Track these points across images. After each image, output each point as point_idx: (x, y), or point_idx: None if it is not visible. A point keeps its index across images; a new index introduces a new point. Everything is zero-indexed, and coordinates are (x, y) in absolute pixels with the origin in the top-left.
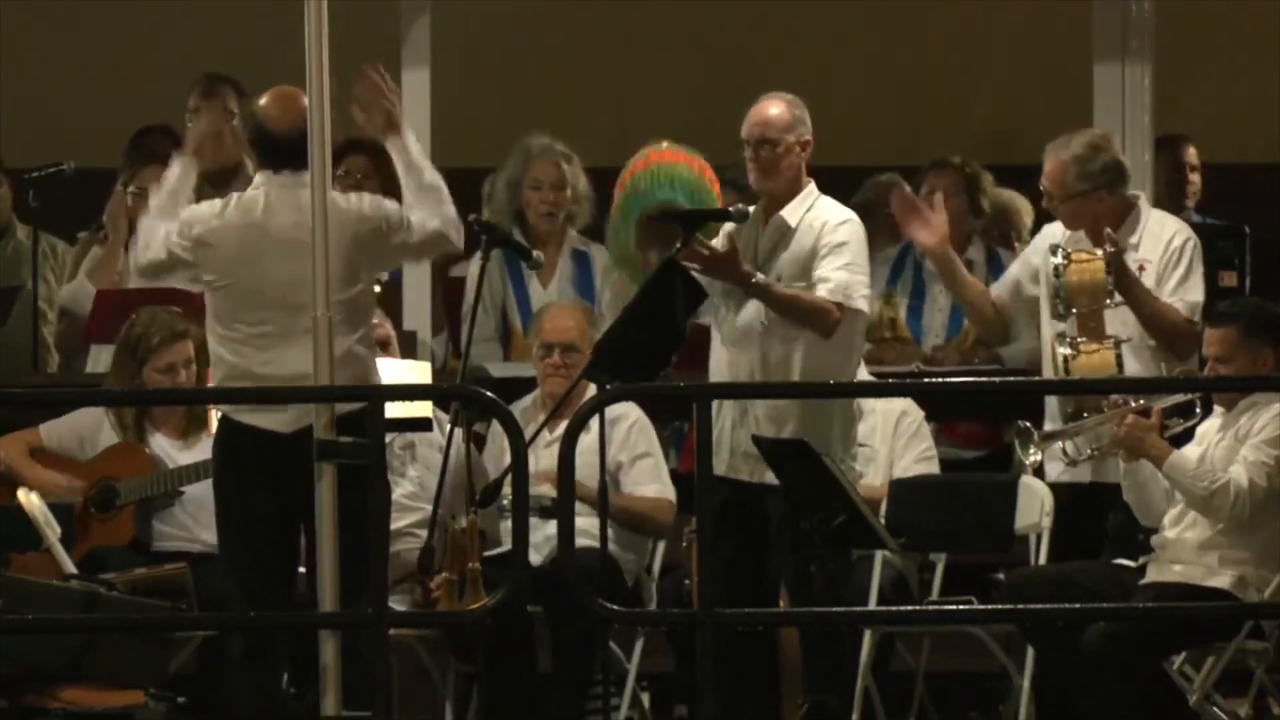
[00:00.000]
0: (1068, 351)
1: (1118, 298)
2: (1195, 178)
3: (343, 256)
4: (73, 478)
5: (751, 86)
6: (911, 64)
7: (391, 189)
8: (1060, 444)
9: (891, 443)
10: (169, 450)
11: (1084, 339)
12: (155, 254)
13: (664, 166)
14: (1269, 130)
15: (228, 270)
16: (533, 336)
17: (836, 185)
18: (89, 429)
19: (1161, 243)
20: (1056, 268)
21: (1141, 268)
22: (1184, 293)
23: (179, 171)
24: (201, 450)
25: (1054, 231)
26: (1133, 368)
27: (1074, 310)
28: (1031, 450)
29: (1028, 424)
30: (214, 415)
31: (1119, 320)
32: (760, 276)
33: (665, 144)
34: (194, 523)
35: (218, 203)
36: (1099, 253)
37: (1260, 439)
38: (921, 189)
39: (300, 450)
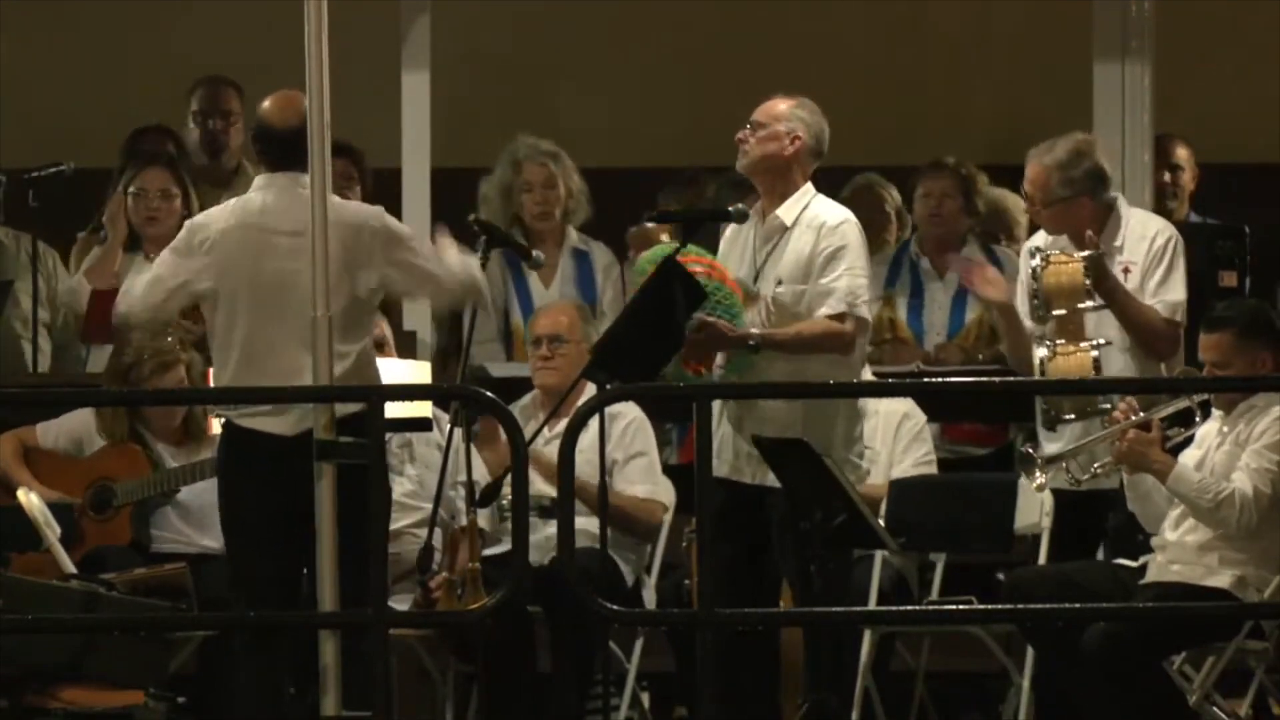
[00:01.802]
0: (1044, 353)
1: (1098, 299)
2: (1185, 178)
3: (339, 256)
4: (66, 485)
5: (751, 86)
6: (911, 64)
7: (369, 193)
8: (1064, 465)
9: (892, 445)
10: (167, 459)
11: (1062, 341)
12: (146, 292)
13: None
14: (1269, 130)
15: (227, 271)
16: (528, 335)
17: (836, 185)
18: (86, 430)
19: (1145, 242)
20: (1034, 270)
21: (1126, 269)
22: (1164, 292)
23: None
24: (199, 456)
25: (1038, 238)
26: (1118, 368)
27: (1053, 312)
28: (1036, 475)
29: (1029, 450)
30: (214, 424)
31: (1105, 322)
32: (756, 332)
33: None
34: (187, 526)
35: (214, 209)
36: (1077, 255)
37: (1261, 444)
38: (917, 191)
39: (304, 453)
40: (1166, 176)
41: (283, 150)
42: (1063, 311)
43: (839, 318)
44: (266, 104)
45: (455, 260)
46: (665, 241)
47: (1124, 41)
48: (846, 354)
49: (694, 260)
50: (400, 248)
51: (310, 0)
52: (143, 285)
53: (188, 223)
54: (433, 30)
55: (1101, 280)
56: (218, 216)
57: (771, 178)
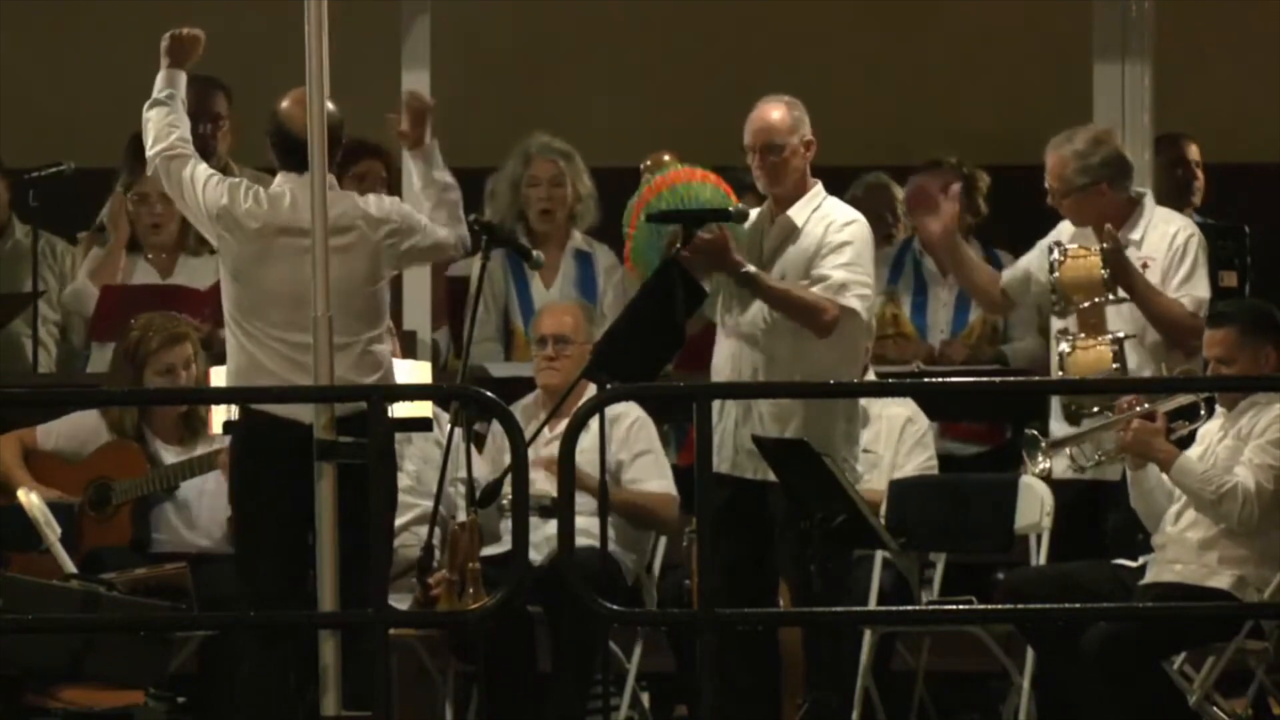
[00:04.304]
0: (1065, 348)
1: (1120, 293)
2: (1200, 174)
3: (369, 255)
4: (65, 487)
5: (751, 86)
6: (911, 64)
7: (396, 191)
8: (1068, 451)
9: (895, 448)
10: (165, 456)
11: (1083, 335)
12: (199, 187)
13: (679, 188)
14: (1269, 130)
15: (250, 263)
16: (532, 335)
17: (836, 185)
18: (86, 431)
19: (1165, 240)
20: (1052, 264)
21: (1145, 265)
22: (1189, 289)
23: (165, 79)
24: (197, 454)
25: (1065, 228)
26: (1136, 364)
27: (1072, 306)
28: (1039, 458)
29: (1035, 431)
30: (215, 417)
31: (1127, 317)
32: (751, 268)
33: (674, 166)
34: (186, 526)
35: (246, 189)
36: (1095, 249)
37: (1265, 440)
38: None
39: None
40: (1180, 173)
41: (303, 155)
42: (1084, 305)
43: (828, 301)
44: (286, 105)
45: (432, 222)
46: (668, 161)
47: (1124, 41)
48: (822, 336)
49: (701, 177)
50: (414, 235)
51: (310, 0)
52: (190, 174)
53: (228, 182)
54: (433, 29)
55: (1121, 273)
56: (251, 205)
57: (792, 187)
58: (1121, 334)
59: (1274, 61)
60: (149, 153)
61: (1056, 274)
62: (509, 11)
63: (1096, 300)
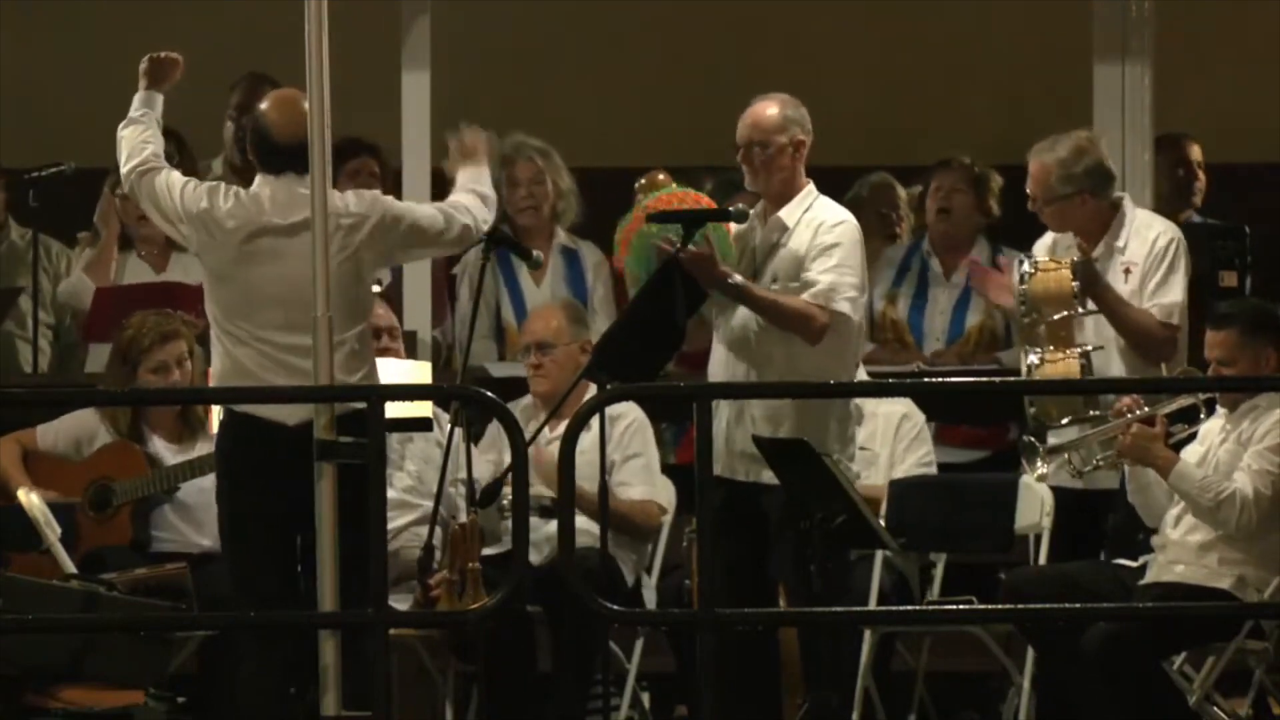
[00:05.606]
0: (1034, 360)
1: (1090, 305)
2: (1202, 174)
3: (353, 250)
4: (65, 487)
5: (751, 87)
6: (911, 64)
7: (393, 189)
8: (1066, 456)
9: (892, 445)
10: (164, 454)
11: (1051, 347)
12: (167, 196)
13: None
14: (1269, 130)
15: (232, 264)
16: (520, 342)
17: (836, 185)
18: (85, 431)
19: (1146, 245)
20: (1022, 275)
21: (1128, 270)
22: (1160, 295)
23: (143, 100)
24: (197, 453)
25: (1048, 239)
26: (1117, 371)
27: (1041, 318)
28: (1038, 464)
29: (1032, 438)
30: (215, 416)
31: (1106, 327)
32: (738, 278)
33: (666, 188)
34: (186, 526)
35: (225, 191)
36: (1065, 261)
37: (1264, 446)
38: (930, 186)
39: (306, 445)
40: (1181, 173)
41: (285, 157)
42: (1054, 317)
43: (817, 308)
44: (266, 107)
45: (460, 201)
46: (662, 180)
47: (1124, 41)
48: (813, 343)
49: (694, 198)
50: (401, 225)
51: (310, 0)
52: (165, 182)
53: (207, 185)
54: (433, 29)
55: (1091, 285)
56: (232, 205)
57: (780, 186)
58: (1089, 347)
59: (1274, 61)
60: (123, 170)
61: (1026, 286)
62: (509, 12)
63: (1066, 313)
